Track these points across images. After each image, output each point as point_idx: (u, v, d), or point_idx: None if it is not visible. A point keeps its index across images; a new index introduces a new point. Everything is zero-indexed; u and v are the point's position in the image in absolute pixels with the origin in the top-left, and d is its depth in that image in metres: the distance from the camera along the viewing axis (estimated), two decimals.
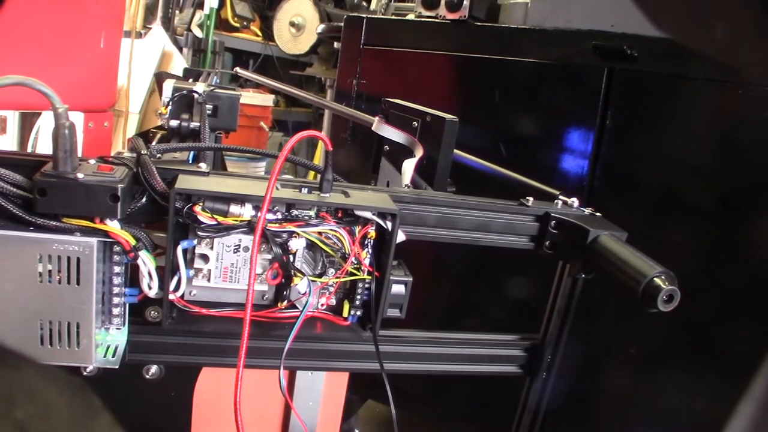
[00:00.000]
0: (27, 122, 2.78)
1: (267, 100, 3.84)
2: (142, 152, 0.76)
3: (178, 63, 3.35)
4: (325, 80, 3.62)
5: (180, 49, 3.57)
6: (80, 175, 0.68)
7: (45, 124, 2.64)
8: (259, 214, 0.72)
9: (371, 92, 1.95)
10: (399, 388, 0.87)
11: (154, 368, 0.85)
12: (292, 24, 3.86)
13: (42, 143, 2.65)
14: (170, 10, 3.91)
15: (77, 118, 1.95)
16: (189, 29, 3.92)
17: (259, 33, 4.60)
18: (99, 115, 2.11)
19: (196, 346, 0.84)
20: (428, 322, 0.97)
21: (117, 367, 0.76)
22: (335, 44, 3.27)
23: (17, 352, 0.37)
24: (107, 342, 0.78)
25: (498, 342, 1.00)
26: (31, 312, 0.71)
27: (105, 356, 0.76)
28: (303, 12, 3.82)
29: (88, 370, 0.76)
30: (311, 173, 3.16)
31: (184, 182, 0.73)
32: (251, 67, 4.52)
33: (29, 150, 2.67)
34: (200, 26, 3.93)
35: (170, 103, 1.09)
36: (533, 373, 1.01)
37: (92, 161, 0.74)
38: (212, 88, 1.16)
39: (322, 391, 1.01)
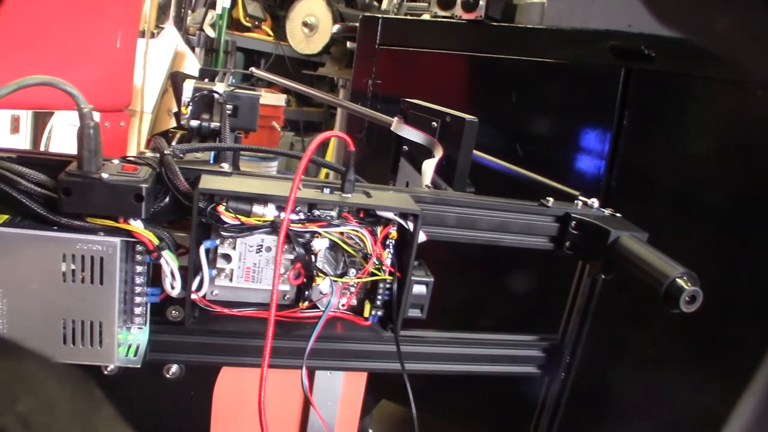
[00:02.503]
0: (40, 121, 2.79)
1: (279, 99, 3.85)
2: (165, 152, 0.76)
3: (191, 63, 3.36)
4: (338, 80, 3.62)
5: (192, 49, 3.58)
6: (105, 175, 0.68)
7: (58, 123, 2.65)
8: (282, 215, 0.72)
9: (387, 92, 1.95)
10: (413, 387, 0.87)
11: (174, 367, 0.85)
12: (305, 24, 3.87)
13: (55, 142, 2.66)
14: (183, 10, 3.92)
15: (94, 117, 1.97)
16: (201, 29, 3.93)
17: (271, 33, 4.61)
18: (115, 114, 2.12)
19: (217, 346, 0.84)
20: (446, 321, 0.98)
21: (139, 366, 0.77)
22: (348, 44, 3.28)
23: (20, 345, 0.37)
24: (129, 341, 0.78)
25: (517, 342, 1.00)
26: (54, 311, 0.72)
27: (127, 355, 0.76)
28: (316, 12, 3.82)
29: (109, 369, 0.77)
30: (323, 171, 3.16)
31: (208, 182, 0.73)
32: (263, 66, 4.53)
33: (42, 149, 2.68)
34: (212, 26, 3.94)
35: (191, 104, 1.10)
36: (552, 373, 1.00)
37: (116, 161, 0.74)
38: (232, 88, 1.16)
39: (340, 391, 1.01)
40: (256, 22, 4.50)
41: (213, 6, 4.00)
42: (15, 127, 2.79)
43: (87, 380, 0.40)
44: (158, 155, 0.77)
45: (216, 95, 1.12)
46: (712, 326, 1.42)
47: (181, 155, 0.81)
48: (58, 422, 0.34)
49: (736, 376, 1.20)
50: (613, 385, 1.65)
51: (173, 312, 0.80)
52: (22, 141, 2.80)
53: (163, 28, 3.55)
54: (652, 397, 1.58)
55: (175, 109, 1.24)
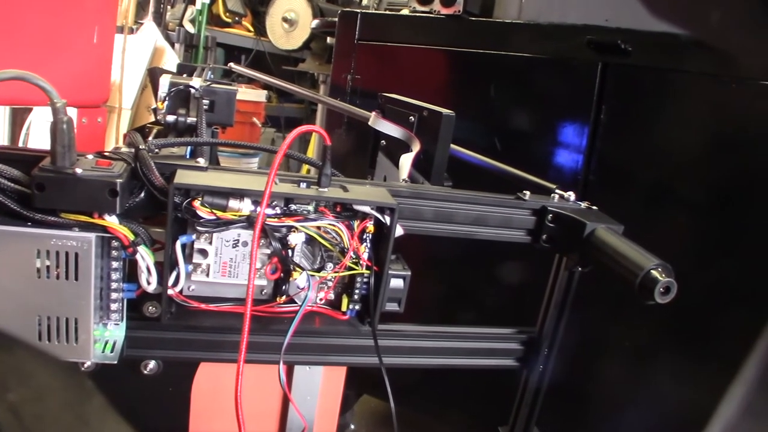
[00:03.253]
0: (18, 117, 2.77)
1: (260, 95, 3.84)
2: (140, 147, 0.76)
3: (170, 58, 3.34)
4: (318, 75, 3.62)
5: (172, 45, 3.55)
6: (79, 170, 0.68)
7: (36, 119, 2.63)
8: (258, 209, 0.72)
9: (366, 87, 1.95)
10: (393, 382, 0.88)
11: (152, 363, 0.85)
12: (285, 19, 3.86)
13: (33, 139, 2.64)
14: (162, 6, 3.89)
15: (71, 113, 1.95)
16: (181, 25, 3.91)
17: (251, 28, 4.59)
18: (92, 110, 2.10)
19: (194, 341, 0.84)
20: (425, 315, 0.98)
21: (115, 362, 0.76)
22: (328, 39, 3.27)
23: (10, 336, 0.37)
24: (105, 337, 0.77)
25: (495, 335, 1.01)
26: (29, 308, 0.71)
27: (103, 352, 0.76)
28: (296, 7, 3.81)
29: (86, 365, 0.76)
30: (305, 167, 3.16)
31: (183, 177, 0.73)
32: (243, 62, 4.51)
33: (20, 146, 2.66)
34: (192, 22, 3.91)
35: (167, 98, 1.09)
36: (530, 365, 1.01)
37: (90, 156, 0.73)
38: (209, 83, 1.16)
39: (320, 386, 1.01)
40: (236, 18, 4.49)
41: (192, 2, 3.98)
42: None
43: (77, 370, 0.40)
44: (133, 150, 0.76)
45: (192, 90, 1.11)
46: (693, 316, 1.44)
47: (156, 150, 0.80)
48: (49, 412, 0.34)
49: (721, 366, 1.21)
50: (593, 375, 1.66)
51: (150, 308, 0.79)
52: None
53: (142, 24, 3.52)
54: (631, 388, 1.59)
55: (154, 105, 1.23)
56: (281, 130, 4.57)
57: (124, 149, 0.79)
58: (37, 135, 2.64)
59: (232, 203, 0.75)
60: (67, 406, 0.36)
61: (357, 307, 0.86)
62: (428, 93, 1.53)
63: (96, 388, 0.39)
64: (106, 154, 0.76)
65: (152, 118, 1.31)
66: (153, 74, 2.27)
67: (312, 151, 3.44)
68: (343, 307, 0.86)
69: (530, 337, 1.01)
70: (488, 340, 1.00)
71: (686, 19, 1.45)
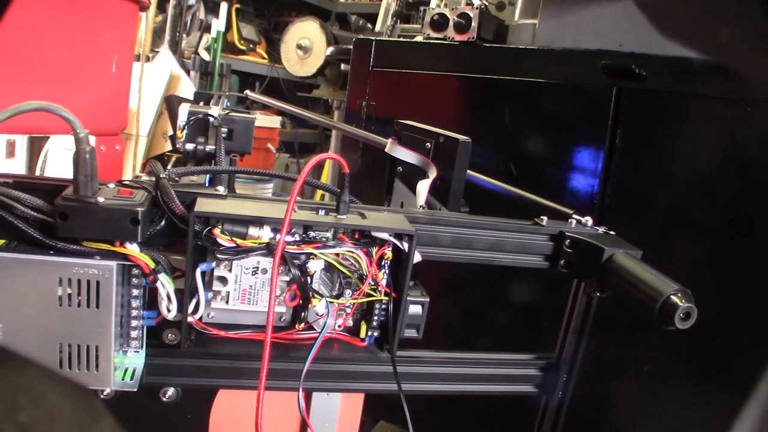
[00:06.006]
0: (35, 146, 2.79)
1: (274, 122, 3.87)
2: (161, 176, 0.76)
3: (186, 86, 3.37)
4: (332, 102, 3.64)
5: (187, 72, 3.59)
6: (101, 199, 0.69)
7: (53, 147, 2.66)
8: (278, 236, 0.73)
9: (381, 113, 1.96)
10: (410, 406, 0.87)
11: (171, 391, 0.85)
12: (299, 46, 3.90)
13: (50, 166, 2.67)
14: (178, 34, 3.94)
15: (90, 141, 1.98)
16: (196, 52, 3.96)
17: (265, 55, 4.64)
18: (111, 138, 2.13)
19: (213, 369, 0.84)
20: (442, 341, 0.98)
21: (135, 389, 0.76)
22: (342, 66, 3.29)
23: (21, 356, 0.37)
24: (125, 365, 0.78)
25: (513, 361, 1.00)
26: (50, 335, 0.71)
27: (123, 379, 0.76)
28: (310, 35, 3.85)
29: (105, 393, 0.76)
30: (318, 193, 3.17)
31: (203, 205, 0.74)
32: (257, 89, 4.56)
33: (38, 174, 2.68)
34: (207, 49, 3.96)
35: (186, 127, 1.10)
36: (549, 392, 1.00)
37: (112, 185, 0.74)
38: (227, 111, 1.17)
39: (338, 412, 1.01)
40: (251, 45, 4.54)
41: (208, 30, 4.03)
42: (11, 152, 2.79)
43: (88, 391, 0.40)
44: (154, 179, 0.77)
45: (211, 119, 1.12)
46: (710, 340, 1.43)
47: (176, 179, 0.81)
48: None
49: (738, 389, 1.20)
50: (612, 400, 1.65)
51: (169, 335, 0.79)
52: (17, 165, 2.80)
53: (158, 52, 3.56)
54: (653, 412, 1.58)
55: (171, 132, 1.24)
56: (295, 156, 4.60)
57: (145, 178, 0.79)
58: (55, 162, 2.66)
59: (252, 231, 0.75)
60: (77, 427, 0.36)
61: (375, 333, 0.86)
62: (443, 119, 1.54)
63: (106, 408, 0.39)
64: (126, 182, 0.76)
65: (168, 145, 1.32)
66: (170, 102, 2.29)
67: (326, 176, 3.46)
68: (362, 334, 0.86)
69: (549, 362, 1.00)
70: (506, 366, 0.99)
71: (699, 43, 1.46)
